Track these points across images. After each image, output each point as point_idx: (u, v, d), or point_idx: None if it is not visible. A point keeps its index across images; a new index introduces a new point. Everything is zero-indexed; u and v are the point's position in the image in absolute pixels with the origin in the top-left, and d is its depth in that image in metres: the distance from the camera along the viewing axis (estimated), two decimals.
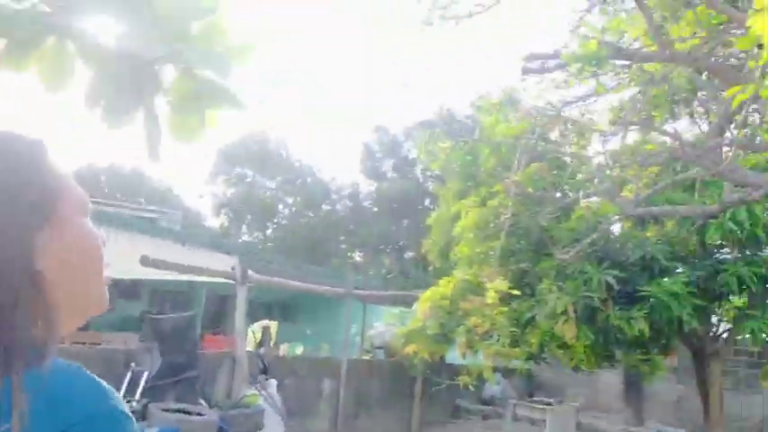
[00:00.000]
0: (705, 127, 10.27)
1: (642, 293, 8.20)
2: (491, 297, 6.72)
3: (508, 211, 8.57)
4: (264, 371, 8.34)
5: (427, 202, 27.53)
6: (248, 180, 32.41)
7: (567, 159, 9.35)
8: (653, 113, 7.66)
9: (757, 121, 6.52)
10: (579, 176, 9.55)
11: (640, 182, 5.82)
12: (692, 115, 12.20)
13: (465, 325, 8.40)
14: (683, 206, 6.59)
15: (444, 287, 8.45)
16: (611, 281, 8.02)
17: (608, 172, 6.75)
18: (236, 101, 1.52)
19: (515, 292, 7.34)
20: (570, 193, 9.12)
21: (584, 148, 9.43)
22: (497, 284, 6.56)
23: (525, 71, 4.66)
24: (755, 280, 7.93)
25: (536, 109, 9.15)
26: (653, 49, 4.79)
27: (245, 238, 31.82)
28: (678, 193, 7.57)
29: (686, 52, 4.54)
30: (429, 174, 26.86)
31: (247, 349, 8.56)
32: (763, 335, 7.90)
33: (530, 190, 7.71)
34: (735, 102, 2.53)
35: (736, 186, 6.08)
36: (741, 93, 2.23)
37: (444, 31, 5.30)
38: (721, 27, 5.54)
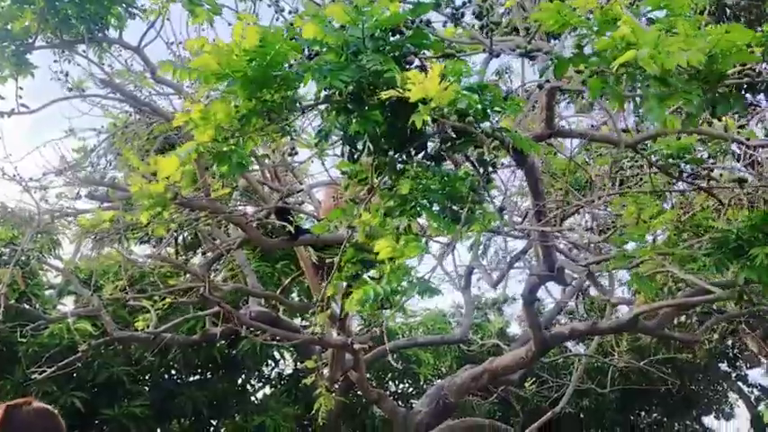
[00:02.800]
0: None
1: (104, 416, 8.15)
2: None
3: None
4: None
5: None
6: None
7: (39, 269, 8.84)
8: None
9: None
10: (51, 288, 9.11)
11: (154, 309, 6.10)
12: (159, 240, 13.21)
13: None
14: (184, 336, 7.18)
15: None
16: (78, 404, 7.73)
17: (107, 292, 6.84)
18: None
19: None
20: (39, 306, 8.55)
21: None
22: None
23: (91, 197, 4.58)
24: (206, 403, 8.87)
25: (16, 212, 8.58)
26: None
27: None
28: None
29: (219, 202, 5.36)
30: None
31: None
32: None
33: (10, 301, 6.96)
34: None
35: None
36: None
37: None
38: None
